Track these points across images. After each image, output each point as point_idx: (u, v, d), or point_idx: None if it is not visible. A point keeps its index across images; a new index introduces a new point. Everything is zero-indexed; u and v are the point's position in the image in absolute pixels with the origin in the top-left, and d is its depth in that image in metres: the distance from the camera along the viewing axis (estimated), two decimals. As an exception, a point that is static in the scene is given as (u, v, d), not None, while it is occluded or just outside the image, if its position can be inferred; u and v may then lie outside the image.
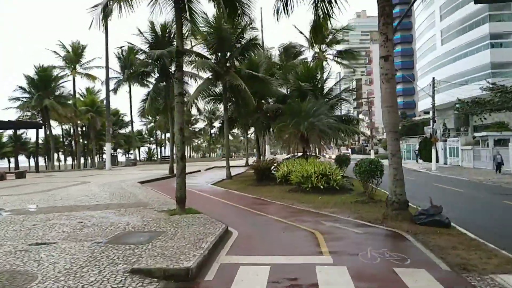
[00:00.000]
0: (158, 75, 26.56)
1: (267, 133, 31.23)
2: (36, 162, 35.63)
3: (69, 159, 62.83)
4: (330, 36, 34.71)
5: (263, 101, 26.81)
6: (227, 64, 23.23)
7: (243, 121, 27.46)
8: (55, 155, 49.01)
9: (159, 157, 69.03)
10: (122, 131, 68.70)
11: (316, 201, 13.59)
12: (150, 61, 25.48)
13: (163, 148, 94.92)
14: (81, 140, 56.78)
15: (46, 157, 49.81)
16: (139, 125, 79.17)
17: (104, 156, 61.46)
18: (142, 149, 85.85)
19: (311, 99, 20.13)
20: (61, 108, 39.65)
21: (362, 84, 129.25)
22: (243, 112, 25.27)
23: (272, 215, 11.08)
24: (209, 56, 23.17)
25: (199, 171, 32.77)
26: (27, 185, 19.92)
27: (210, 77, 23.52)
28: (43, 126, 37.50)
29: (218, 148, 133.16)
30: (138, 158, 68.54)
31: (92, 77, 43.83)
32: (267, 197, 15.06)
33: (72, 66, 43.80)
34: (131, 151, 75.81)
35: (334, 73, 39.20)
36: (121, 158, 70.78)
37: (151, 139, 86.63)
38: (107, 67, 34.60)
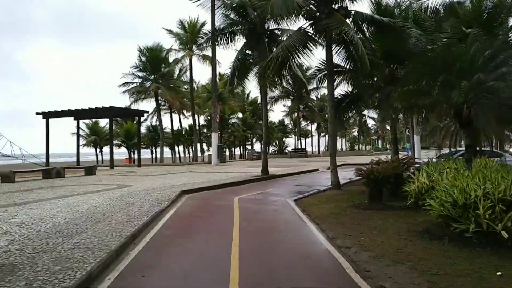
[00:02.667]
0: (245, 37, 19.17)
1: (415, 116, 21.10)
2: (138, 154, 32.41)
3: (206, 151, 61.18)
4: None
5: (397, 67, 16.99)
6: (333, 5, 14.51)
7: (367, 98, 18.06)
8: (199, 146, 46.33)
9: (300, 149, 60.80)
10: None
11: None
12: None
13: (308, 139, 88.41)
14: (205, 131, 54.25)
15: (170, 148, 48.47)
16: (281, 115, 74.19)
17: (209, 150, 58.12)
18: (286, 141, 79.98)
19: (478, 36, 9.96)
20: (168, 93, 36.28)
21: None
22: (363, 83, 16.19)
23: None
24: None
25: (317, 170, 24.54)
26: (51, 188, 15.12)
27: (305, 27, 15.05)
28: (145, 114, 34.76)
29: (374, 140, 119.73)
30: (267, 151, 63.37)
31: (208, 59, 39.29)
32: (362, 251, 6.44)
33: (188, 47, 40.18)
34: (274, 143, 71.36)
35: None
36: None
37: (295, 129, 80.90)
38: (213, 42, 28.95)
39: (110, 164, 28.82)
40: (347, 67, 17.08)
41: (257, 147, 72.67)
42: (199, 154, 51.91)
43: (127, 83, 39.13)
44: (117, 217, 8.77)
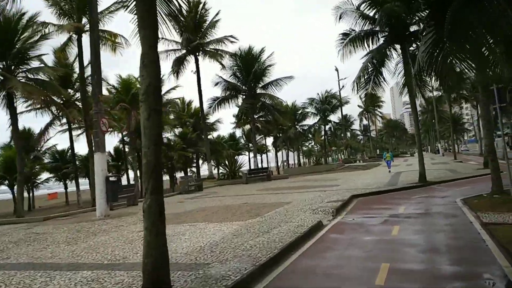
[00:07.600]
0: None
1: None
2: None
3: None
4: None
5: None
6: None
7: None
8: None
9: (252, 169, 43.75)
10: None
11: None
12: None
13: (263, 155, 75.10)
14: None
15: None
16: (230, 127, 60.23)
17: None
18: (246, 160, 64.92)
19: None
20: (22, 87, 21.18)
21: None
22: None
23: None
24: None
25: (318, 225, 10.97)
26: None
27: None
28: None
29: (334, 152, 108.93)
30: (217, 174, 49.27)
31: (111, 36, 24.39)
32: None
33: (73, 16, 24.35)
34: (215, 163, 57.16)
35: None
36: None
37: (250, 145, 67.39)
38: None
39: None
40: None
41: (205, 168, 56.87)
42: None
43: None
44: None
